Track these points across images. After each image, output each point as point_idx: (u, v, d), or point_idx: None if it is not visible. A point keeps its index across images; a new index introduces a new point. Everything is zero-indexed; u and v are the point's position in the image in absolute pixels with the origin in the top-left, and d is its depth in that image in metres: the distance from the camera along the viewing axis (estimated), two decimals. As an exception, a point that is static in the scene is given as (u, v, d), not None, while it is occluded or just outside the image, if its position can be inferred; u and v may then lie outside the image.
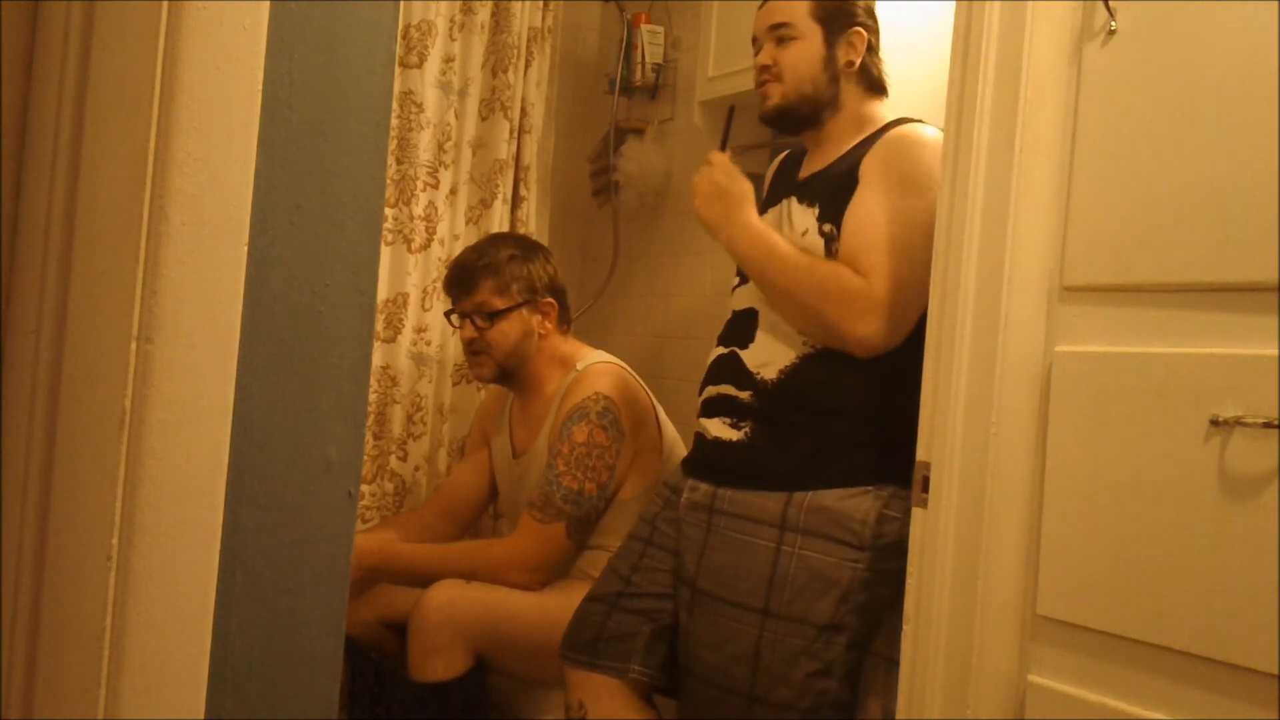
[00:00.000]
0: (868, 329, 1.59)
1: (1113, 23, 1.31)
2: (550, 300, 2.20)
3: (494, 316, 2.16)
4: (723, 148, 1.82)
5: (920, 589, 1.40)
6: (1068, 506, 1.30)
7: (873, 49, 1.78)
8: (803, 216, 1.72)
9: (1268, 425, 1.12)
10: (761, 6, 1.82)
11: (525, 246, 2.25)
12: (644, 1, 2.88)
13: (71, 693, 0.78)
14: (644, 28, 2.82)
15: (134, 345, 0.76)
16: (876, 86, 1.79)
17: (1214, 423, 1.16)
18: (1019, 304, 1.34)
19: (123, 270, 0.77)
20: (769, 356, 1.69)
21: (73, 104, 0.80)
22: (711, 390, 1.76)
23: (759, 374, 1.68)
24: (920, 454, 1.42)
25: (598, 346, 2.30)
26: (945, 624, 1.36)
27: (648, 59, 2.81)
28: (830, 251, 1.66)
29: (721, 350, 1.78)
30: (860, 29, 1.76)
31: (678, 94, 2.86)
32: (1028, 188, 1.34)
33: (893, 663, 1.47)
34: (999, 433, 1.34)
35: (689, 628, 1.67)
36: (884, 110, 1.79)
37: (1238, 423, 1.14)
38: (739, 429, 1.69)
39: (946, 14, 1.55)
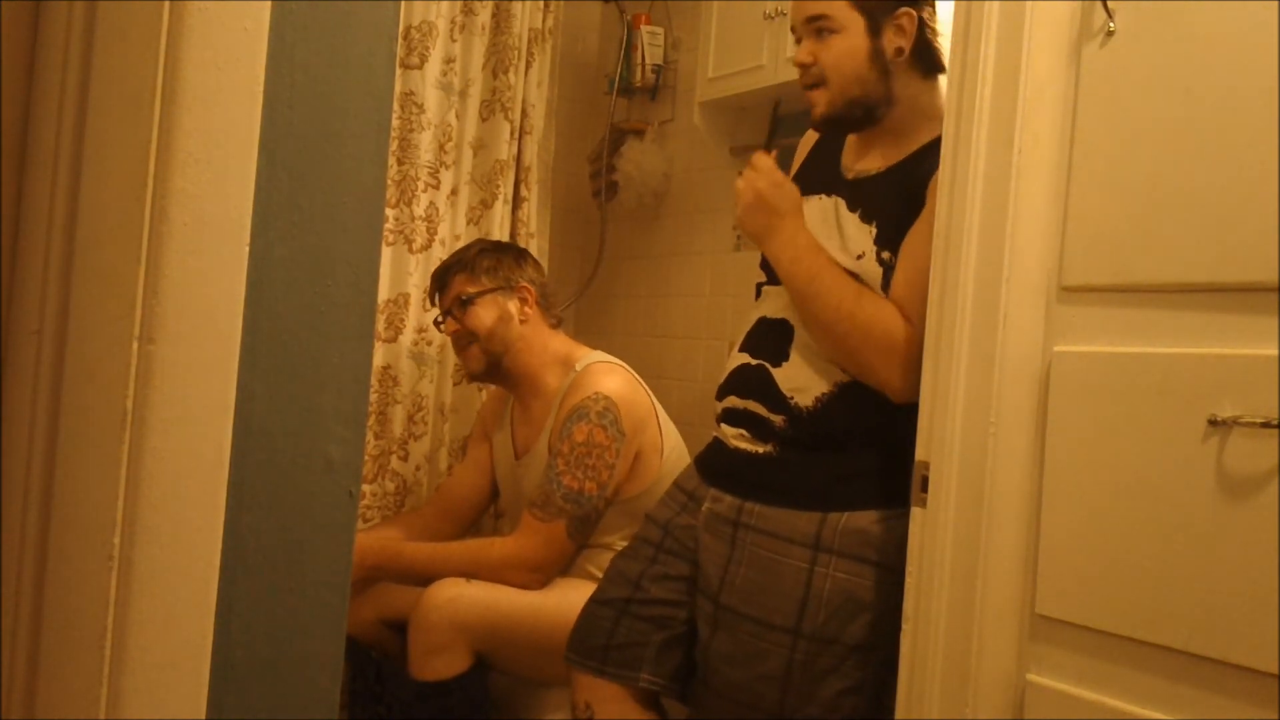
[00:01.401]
0: (905, 382, 1.49)
1: (1111, 23, 1.31)
2: (526, 285, 2.23)
3: (468, 302, 2.20)
4: (768, 148, 1.68)
5: (919, 588, 1.40)
6: (1066, 506, 1.30)
7: (926, 25, 1.58)
8: (858, 234, 1.58)
9: (1266, 425, 1.12)
10: None
11: (497, 244, 2.32)
12: (644, 2, 2.88)
13: (73, 692, 0.78)
14: (644, 29, 2.83)
15: (135, 345, 0.77)
16: (935, 66, 1.60)
17: (1212, 422, 1.16)
18: (1018, 304, 1.34)
19: (124, 270, 0.77)
20: (805, 381, 1.59)
21: (74, 104, 0.80)
22: (736, 402, 1.66)
23: (793, 399, 1.59)
24: (919, 453, 1.42)
25: (597, 347, 2.31)
26: (944, 623, 1.37)
27: (647, 60, 2.82)
28: (888, 281, 1.54)
29: (748, 360, 1.67)
30: (910, 10, 1.57)
31: (677, 95, 2.86)
32: (1026, 188, 1.34)
33: (892, 662, 1.47)
34: (998, 432, 1.35)
35: (710, 642, 1.62)
36: (942, 98, 1.59)
37: (1236, 422, 1.14)
38: (765, 444, 1.62)
39: (946, 14, 1.55)
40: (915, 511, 1.42)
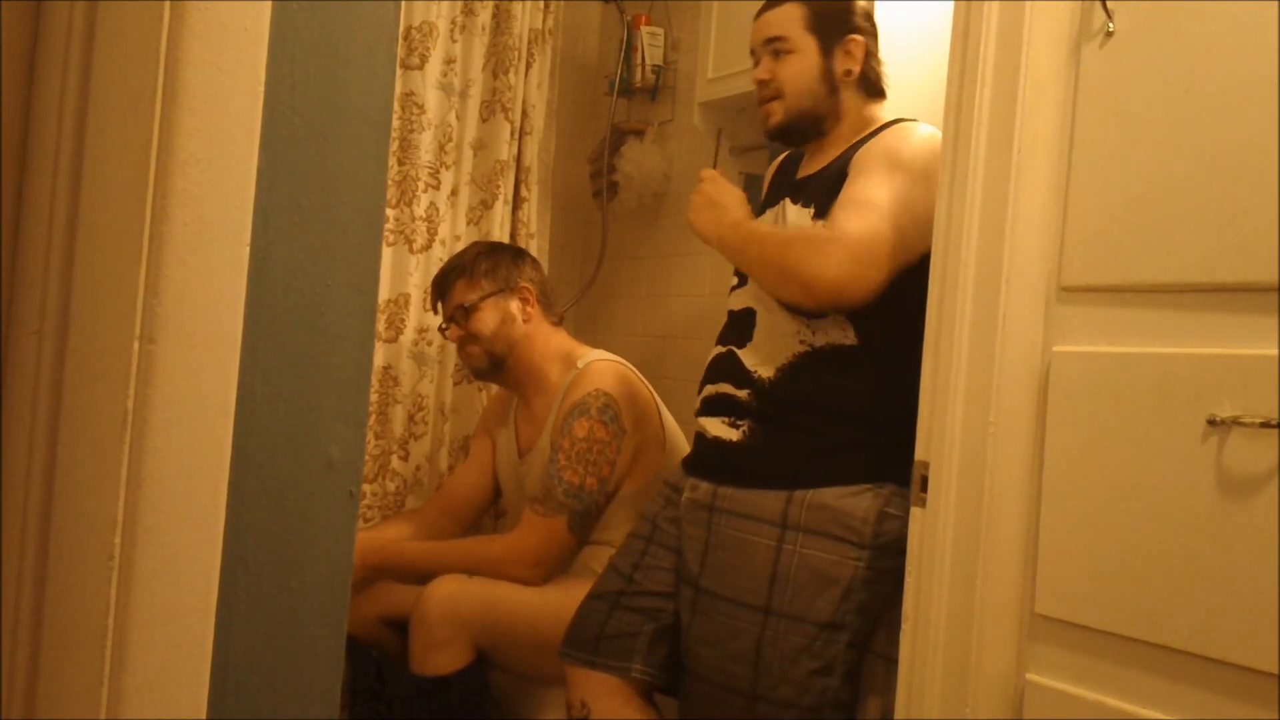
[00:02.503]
0: (825, 266, 1.55)
1: (1111, 24, 1.31)
2: (527, 285, 2.25)
3: (470, 309, 2.21)
4: (714, 166, 1.84)
5: (919, 588, 1.40)
6: (1066, 506, 1.30)
7: (871, 54, 1.77)
8: (798, 217, 1.72)
9: (1265, 425, 1.12)
10: (756, 19, 1.81)
11: (495, 246, 2.33)
12: (644, 3, 2.88)
13: (73, 692, 0.78)
14: (644, 29, 2.82)
15: (136, 345, 0.77)
16: (875, 91, 1.79)
17: (1211, 422, 1.16)
18: (1017, 304, 1.34)
19: (125, 270, 0.77)
20: (766, 355, 1.69)
21: (75, 105, 0.80)
22: (710, 389, 1.76)
23: (756, 373, 1.68)
24: (919, 453, 1.42)
25: (597, 347, 2.32)
26: (944, 623, 1.37)
27: (647, 60, 2.82)
28: None
29: (720, 349, 1.78)
30: (857, 36, 1.75)
31: (677, 95, 2.86)
32: (1026, 188, 1.35)
33: (892, 661, 1.47)
34: (997, 432, 1.35)
35: (691, 626, 1.67)
36: (882, 113, 1.80)
37: (1235, 422, 1.14)
38: (737, 428, 1.69)
39: (945, 14, 1.56)
40: (915, 511, 1.42)
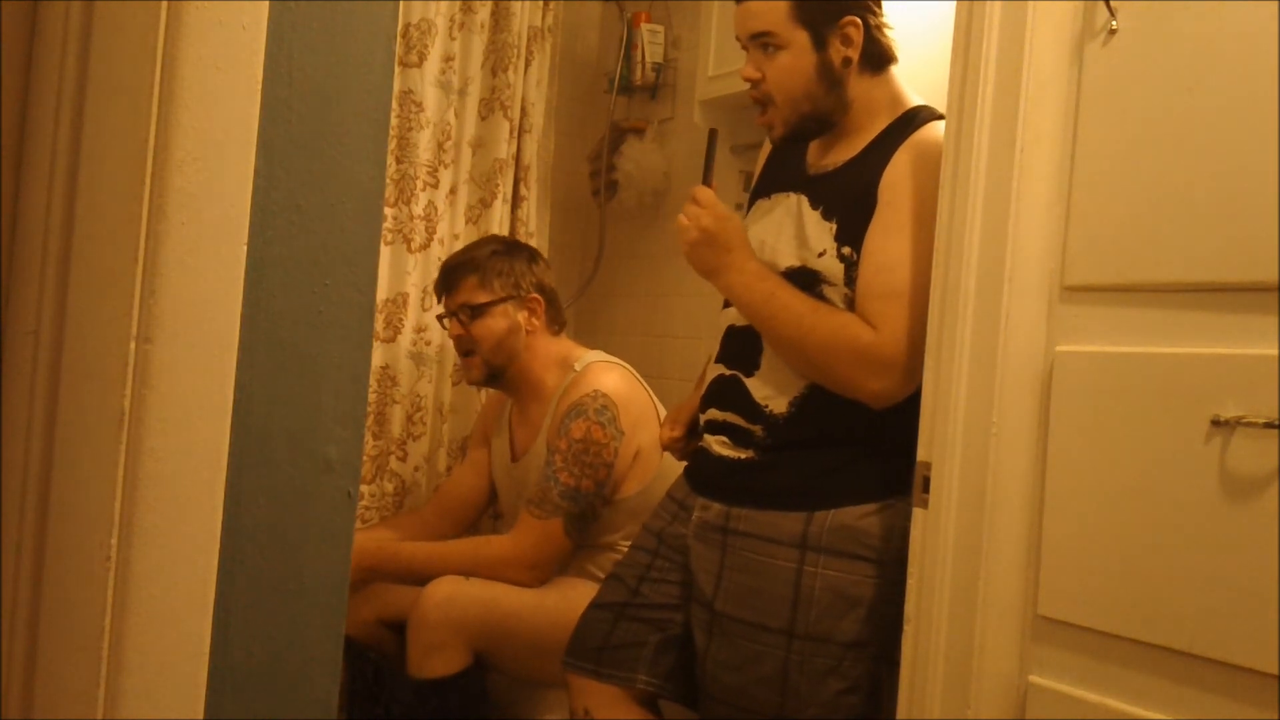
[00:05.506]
0: (880, 385, 1.50)
1: (1114, 22, 1.30)
2: (536, 296, 2.21)
3: (477, 311, 2.17)
4: (705, 180, 1.68)
5: (920, 589, 1.40)
6: (1069, 507, 1.29)
7: (870, 27, 1.57)
8: (819, 231, 1.57)
9: (1269, 425, 1.12)
10: (737, 4, 1.61)
11: (510, 245, 2.28)
12: (644, 0, 2.88)
13: (71, 693, 0.78)
14: (644, 27, 2.82)
15: (133, 345, 0.76)
16: (882, 61, 1.60)
17: (1215, 423, 1.16)
18: (1020, 304, 1.34)
19: (122, 270, 0.77)
20: (776, 388, 1.59)
21: (72, 104, 0.80)
22: (716, 415, 1.67)
23: (767, 406, 1.60)
24: (921, 454, 1.42)
25: (597, 347, 2.31)
26: (945, 624, 1.36)
27: (648, 58, 2.81)
28: (850, 278, 1.53)
29: (723, 371, 1.67)
30: (853, 17, 1.55)
31: (678, 93, 2.86)
32: (1028, 187, 1.34)
33: (894, 663, 1.47)
34: (1000, 433, 1.34)
35: (709, 649, 1.62)
36: (895, 87, 1.62)
37: (1239, 423, 1.14)
38: (746, 450, 1.63)
39: (947, 12, 1.55)
40: (916, 512, 1.42)
